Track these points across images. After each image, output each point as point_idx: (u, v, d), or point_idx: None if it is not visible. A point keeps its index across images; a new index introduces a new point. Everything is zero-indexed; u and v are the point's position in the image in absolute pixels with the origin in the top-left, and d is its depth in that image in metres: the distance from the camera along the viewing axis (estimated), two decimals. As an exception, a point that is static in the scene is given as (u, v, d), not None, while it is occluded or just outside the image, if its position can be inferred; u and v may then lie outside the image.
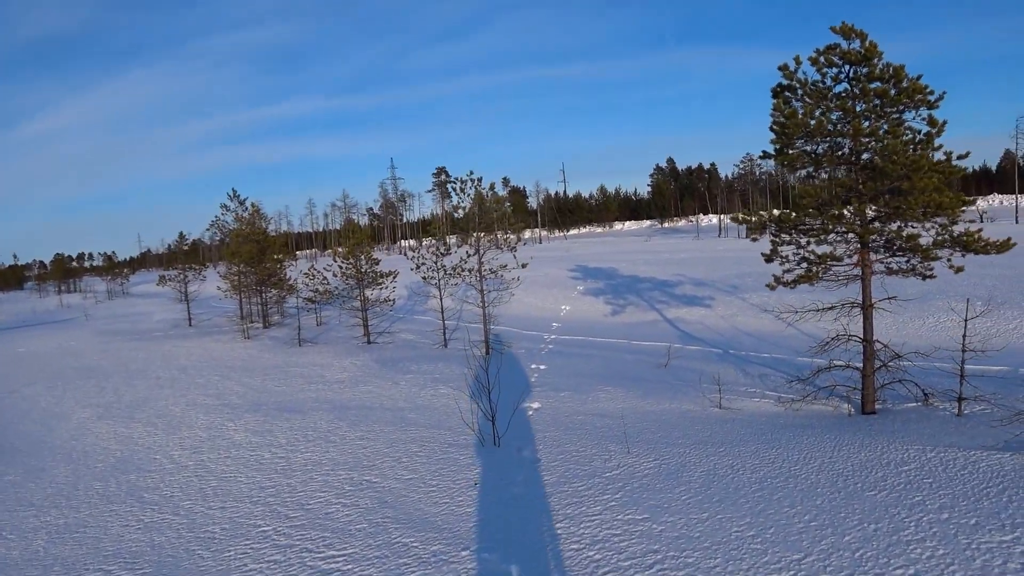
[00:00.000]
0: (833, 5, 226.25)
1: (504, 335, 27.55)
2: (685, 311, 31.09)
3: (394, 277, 30.61)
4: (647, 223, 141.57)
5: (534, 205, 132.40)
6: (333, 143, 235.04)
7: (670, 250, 64.97)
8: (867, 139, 13.25)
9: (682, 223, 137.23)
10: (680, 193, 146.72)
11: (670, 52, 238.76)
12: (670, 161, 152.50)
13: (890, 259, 14.43)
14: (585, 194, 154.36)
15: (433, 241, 26.42)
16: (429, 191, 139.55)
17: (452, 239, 27.00)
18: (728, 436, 12.75)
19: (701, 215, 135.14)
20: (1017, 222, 68.63)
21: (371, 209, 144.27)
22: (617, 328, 29.75)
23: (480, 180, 22.80)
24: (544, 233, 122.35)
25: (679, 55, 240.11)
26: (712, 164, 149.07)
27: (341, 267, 30.62)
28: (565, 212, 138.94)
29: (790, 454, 11.23)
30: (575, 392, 17.24)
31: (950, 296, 25.07)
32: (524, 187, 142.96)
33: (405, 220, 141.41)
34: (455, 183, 23.03)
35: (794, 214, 13.99)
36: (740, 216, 15.22)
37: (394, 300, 30.32)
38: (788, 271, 14.60)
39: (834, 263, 13.97)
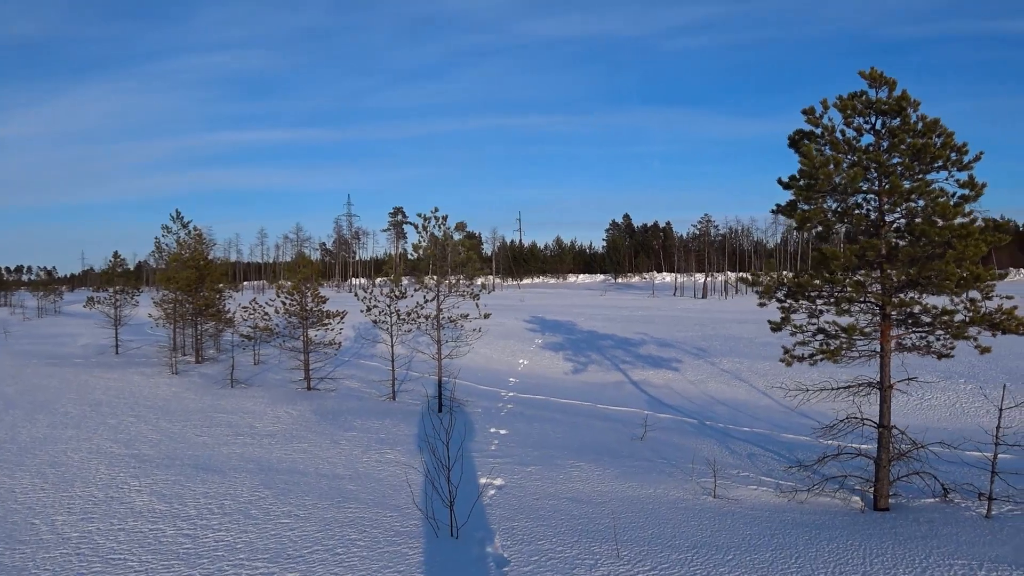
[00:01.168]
0: (796, 73, 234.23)
1: (458, 389, 25.16)
2: (651, 373, 29.18)
3: (342, 318, 28.08)
4: (601, 277, 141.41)
5: (489, 252, 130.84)
6: (291, 175, 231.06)
7: (628, 306, 63.65)
8: (904, 199, 11.57)
9: (636, 280, 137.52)
10: (635, 250, 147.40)
11: (631, 110, 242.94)
12: (626, 217, 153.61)
13: (908, 334, 12.68)
14: (540, 244, 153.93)
15: (386, 281, 24.07)
16: (384, 230, 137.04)
17: (405, 280, 24.62)
18: (733, 537, 10.62)
19: (655, 272, 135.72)
20: None
21: (324, 244, 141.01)
22: (580, 388, 27.65)
23: (445, 218, 20.75)
24: (498, 280, 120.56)
25: (640, 114, 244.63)
26: (667, 223, 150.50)
27: (284, 303, 27.97)
28: (520, 261, 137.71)
29: (812, 567, 9.15)
30: (544, 467, 14.93)
31: (968, 377, 23.76)
32: (480, 233, 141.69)
33: (358, 258, 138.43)
34: (419, 219, 20.90)
35: (816, 279, 12.15)
36: (748, 276, 13.32)
37: (340, 343, 27.72)
38: (802, 343, 12.72)
39: (859, 338, 12.11)
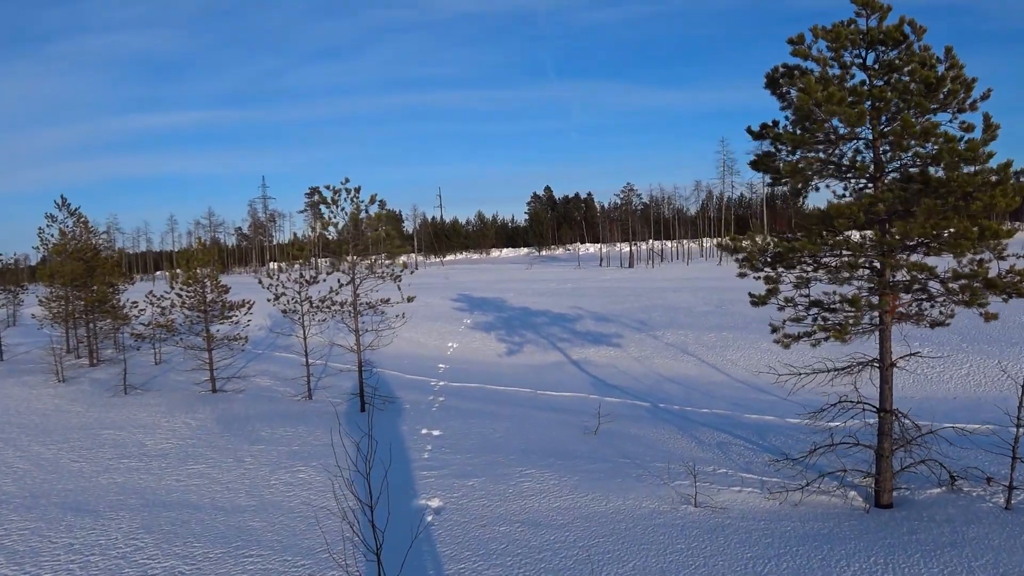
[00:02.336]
0: (712, 44, 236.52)
1: (383, 381, 22.48)
2: (592, 351, 27.16)
3: (249, 308, 24.89)
4: (525, 251, 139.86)
5: (411, 229, 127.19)
6: (203, 159, 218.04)
7: (556, 279, 61.81)
8: (916, 143, 9.53)
9: (560, 252, 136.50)
10: (557, 222, 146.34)
11: (549, 84, 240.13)
12: (547, 190, 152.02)
13: (915, 303, 10.79)
14: (462, 220, 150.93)
15: (297, 266, 21.13)
16: (301, 211, 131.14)
17: (324, 263, 21.61)
18: (733, 565, 8.51)
19: (579, 244, 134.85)
20: None
21: (240, 229, 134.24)
22: (517, 372, 25.38)
23: (358, 190, 17.91)
24: (421, 258, 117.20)
25: (558, 87, 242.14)
26: (589, 194, 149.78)
27: (180, 295, 24.59)
28: (442, 237, 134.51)
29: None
30: (487, 478, 12.52)
31: (973, 347, 21.80)
32: (400, 211, 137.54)
33: (276, 241, 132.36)
34: (327, 192, 17.97)
35: (810, 243, 10.04)
36: (730, 241, 11.15)
37: (247, 338, 24.52)
38: (794, 320, 10.68)
39: (865, 310, 10.10)
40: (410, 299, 18.25)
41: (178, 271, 25.77)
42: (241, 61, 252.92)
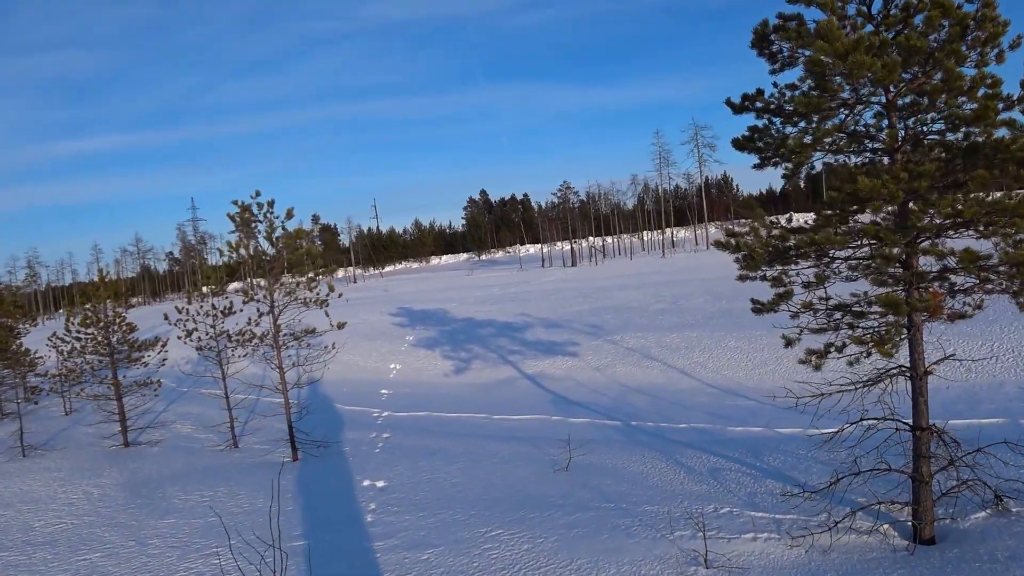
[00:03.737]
0: (637, 44, 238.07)
1: (320, 417, 19.84)
2: (547, 363, 25.00)
3: (163, 346, 21.92)
4: (464, 256, 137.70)
5: (347, 242, 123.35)
6: (129, 183, 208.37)
7: (499, 283, 59.62)
8: (949, 102, 7.60)
9: (500, 255, 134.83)
10: (496, 225, 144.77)
11: (480, 89, 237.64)
12: (483, 193, 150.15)
13: (958, 296, 8.90)
14: (399, 229, 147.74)
15: (207, 292, 18.38)
16: (232, 232, 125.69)
17: (236, 287, 18.85)
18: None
19: (519, 246, 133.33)
20: None
21: (170, 254, 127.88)
22: (466, 393, 23.05)
23: (271, 204, 15.33)
24: (358, 271, 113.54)
25: (488, 91, 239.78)
26: (525, 195, 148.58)
27: (80, 337, 21.47)
28: (380, 248, 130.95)
29: None
30: (447, 546, 10.13)
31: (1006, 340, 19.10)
32: (335, 224, 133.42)
33: (209, 263, 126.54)
34: (235, 209, 15.31)
35: (836, 233, 8.00)
36: (727, 237, 9.05)
37: (159, 382, 21.46)
38: (818, 330, 8.68)
39: (903, 312, 8.11)
40: (340, 325, 15.73)
41: (74, 308, 22.58)
42: (165, 79, 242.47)
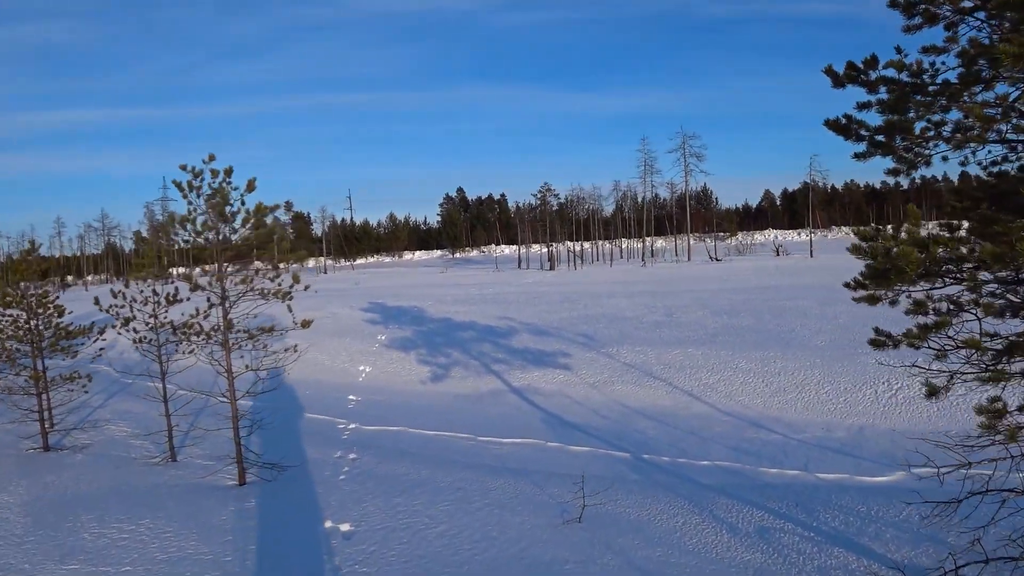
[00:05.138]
0: (623, 51, 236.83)
1: (278, 425, 17.05)
2: (536, 375, 22.44)
3: (100, 334, 18.91)
4: (438, 253, 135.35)
5: (319, 232, 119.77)
6: (102, 158, 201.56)
7: (476, 283, 57.04)
8: None
9: (475, 254, 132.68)
10: (471, 223, 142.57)
11: (463, 86, 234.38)
12: (460, 191, 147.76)
13: None
14: (373, 222, 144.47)
15: (150, 282, 15.52)
16: (202, 213, 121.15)
17: (195, 272, 15.87)
18: None
19: (494, 246, 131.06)
20: (812, 255, 69.12)
21: (139, 232, 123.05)
22: (447, 406, 20.40)
23: (229, 173, 12.54)
24: (329, 262, 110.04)
25: (472, 89, 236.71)
26: (503, 195, 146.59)
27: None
28: (352, 240, 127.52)
29: None
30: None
31: None
32: (309, 213, 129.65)
33: (179, 245, 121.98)
34: (187, 174, 12.46)
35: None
36: (859, 240, 6.54)
37: (89, 377, 18.44)
38: (982, 377, 6.22)
39: None
40: (305, 324, 12.98)
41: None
42: (146, 57, 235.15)
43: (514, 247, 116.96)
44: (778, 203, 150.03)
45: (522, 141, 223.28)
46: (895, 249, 5.94)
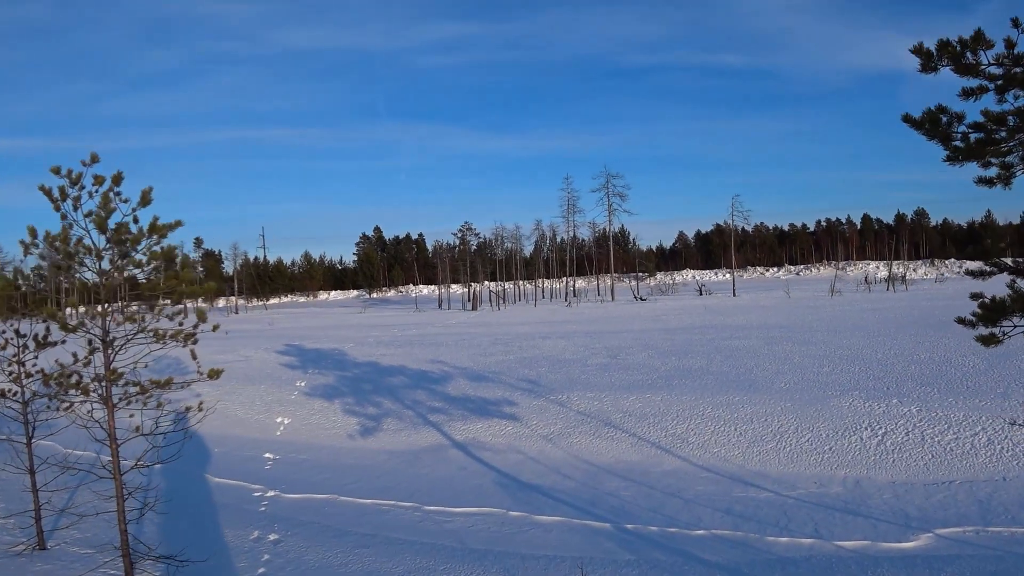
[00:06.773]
0: (543, 93, 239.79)
1: (175, 500, 13.94)
2: (481, 427, 19.92)
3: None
4: (355, 293, 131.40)
5: (231, 271, 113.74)
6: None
7: (398, 324, 54.09)
8: None
9: (392, 294, 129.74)
10: (389, 263, 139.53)
11: (382, 125, 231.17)
12: (377, 230, 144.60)
13: None
14: (287, 260, 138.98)
15: (11, 323, 12.36)
16: (106, 249, 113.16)
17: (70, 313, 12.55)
18: None
19: (412, 286, 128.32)
20: (735, 295, 69.32)
21: (39, 268, 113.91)
22: (382, 465, 17.61)
23: (117, 180, 9.70)
24: (241, 302, 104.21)
25: (390, 128, 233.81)
26: (420, 234, 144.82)
27: None
28: (265, 279, 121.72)
29: None
30: None
31: None
32: (220, 251, 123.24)
33: (78, 280, 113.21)
34: (62, 179, 9.55)
35: None
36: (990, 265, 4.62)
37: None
38: None
39: None
40: (213, 374, 10.21)
41: None
42: (53, 85, 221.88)
43: (433, 287, 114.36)
44: (691, 244, 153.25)
45: (442, 181, 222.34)
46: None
